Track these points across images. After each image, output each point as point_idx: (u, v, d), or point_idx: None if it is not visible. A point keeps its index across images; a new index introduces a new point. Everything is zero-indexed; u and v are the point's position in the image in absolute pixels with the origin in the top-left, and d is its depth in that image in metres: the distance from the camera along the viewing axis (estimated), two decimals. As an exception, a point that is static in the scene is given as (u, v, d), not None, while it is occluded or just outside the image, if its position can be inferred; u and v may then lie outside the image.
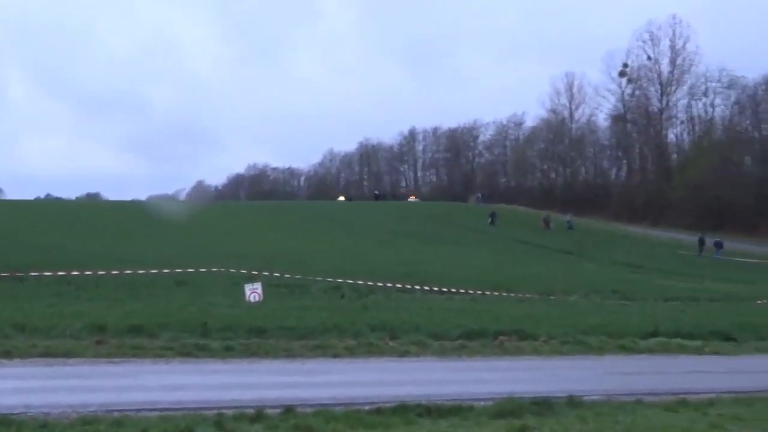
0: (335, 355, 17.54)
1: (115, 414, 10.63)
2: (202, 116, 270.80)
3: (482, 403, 12.60)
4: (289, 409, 11.42)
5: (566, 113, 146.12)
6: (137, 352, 16.35)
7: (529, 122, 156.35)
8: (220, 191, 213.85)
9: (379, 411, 11.73)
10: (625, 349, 20.35)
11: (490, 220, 79.06)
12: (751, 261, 61.37)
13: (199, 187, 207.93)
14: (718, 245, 65.61)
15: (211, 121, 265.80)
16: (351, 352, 17.91)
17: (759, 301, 33.95)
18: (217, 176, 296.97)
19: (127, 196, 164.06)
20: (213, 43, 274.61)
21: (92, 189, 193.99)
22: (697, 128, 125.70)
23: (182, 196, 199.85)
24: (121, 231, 54.16)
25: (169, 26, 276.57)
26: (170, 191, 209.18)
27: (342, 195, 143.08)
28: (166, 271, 30.08)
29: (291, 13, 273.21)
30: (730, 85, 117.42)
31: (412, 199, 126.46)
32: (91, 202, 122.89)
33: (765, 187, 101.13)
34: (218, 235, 55.54)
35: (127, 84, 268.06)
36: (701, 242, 66.22)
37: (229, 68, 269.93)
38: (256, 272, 29.55)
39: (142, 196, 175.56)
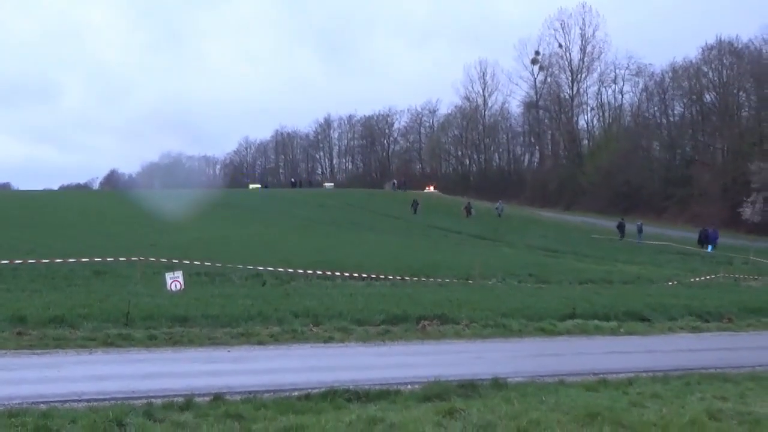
0: (260, 342, 17.49)
1: (42, 406, 10.42)
2: (114, 104, 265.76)
3: (409, 386, 12.68)
4: (218, 397, 11.34)
5: (480, 100, 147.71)
6: (60, 343, 16.09)
7: (444, 109, 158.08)
8: (134, 180, 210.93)
9: (308, 397, 11.72)
10: (544, 332, 20.65)
11: (413, 208, 79.22)
12: (659, 243, 62.66)
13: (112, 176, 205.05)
14: (639, 229, 66.80)
15: (123, 109, 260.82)
16: (276, 339, 17.88)
17: (669, 283, 34.72)
18: (130, 165, 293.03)
19: (39, 186, 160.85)
20: (123, 28, 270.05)
21: (1, 179, 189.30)
22: (606, 115, 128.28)
23: (95, 186, 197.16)
24: (34, 221, 53.00)
25: (76, 9, 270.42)
26: (82, 181, 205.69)
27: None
28: (84, 260, 29.52)
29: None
30: (638, 72, 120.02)
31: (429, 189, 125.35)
32: (1, 192, 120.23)
33: (672, 172, 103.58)
34: (135, 224, 54.76)
35: (34, 70, 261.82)
36: (621, 227, 67.13)
37: (140, 55, 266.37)
38: (176, 261, 29.19)
39: (54, 186, 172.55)
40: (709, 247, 58.99)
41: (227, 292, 24.66)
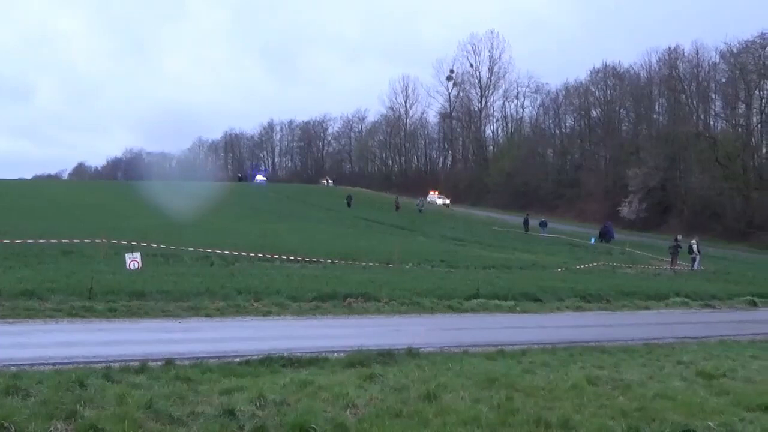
0: (207, 315, 17.29)
1: (13, 368, 10.19)
2: (83, 104, 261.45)
3: (336, 354, 12.65)
4: (169, 362, 11.18)
5: (402, 110, 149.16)
6: (30, 314, 15.72)
7: (371, 117, 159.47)
8: (100, 172, 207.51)
9: (248, 362, 11.63)
10: (452, 309, 20.74)
11: (347, 202, 79.04)
12: (551, 236, 63.53)
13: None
14: (543, 224, 67.65)
15: (91, 109, 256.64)
16: (221, 313, 17.69)
17: (559, 269, 35.20)
18: (97, 159, 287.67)
19: (14, 176, 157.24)
20: (92, 36, 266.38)
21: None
22: (509, 125, 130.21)
23: (64, 176, 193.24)
24: (9, 207, 51.79)
25: (50, 18, 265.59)
26: (53, 172, 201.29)
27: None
28: (53, 241, 28.96)
29: (162, 12, 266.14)
30: (537, 90, 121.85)
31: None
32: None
33: (563, 175, 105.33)
34: (99, 210, 53.83)
35: (12, 72, 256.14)
36: (526, 222, 67.85)
37: (107, 60, 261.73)
38: (135, 243, 28.73)
39: (28, 176, 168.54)
40: (606, 240, 59.91)
41: (180, 271, 24.35)
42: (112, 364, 10.78)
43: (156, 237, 32.09)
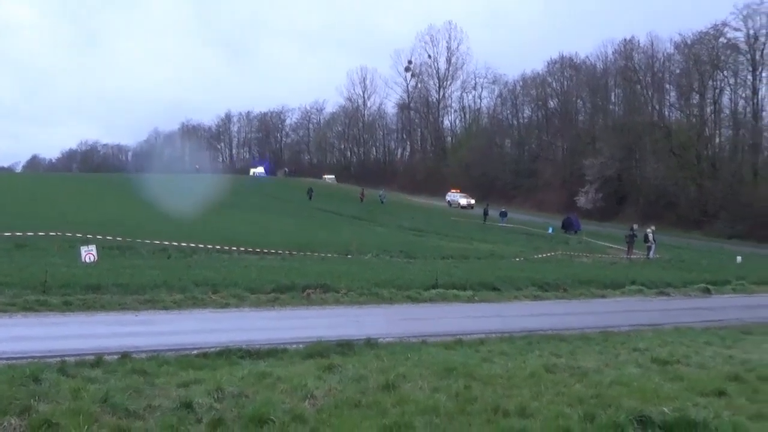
0: (165, 308, 17.16)
1: (-36, 363, 10.04)
2: (38, 95, 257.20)
3: (295, 346, 12.62)
4: (125, 355, 11.08)
5: (360, 101, 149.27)
6: (-18, 308, 15.49)
7: (329, 108, 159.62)
8: (54, 164, 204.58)
9: (205, 355, 11.57)
10: (411, 299, 20.80)
11: (308, 195, 78.79)
12: (509, 226, 63.98)
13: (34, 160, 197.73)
14: (503, 215, 68.19)
15: (45, 100, 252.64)
16: (178, 305, 17.57)
17: (516, 259, 35.46)
18: (51, 151, 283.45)
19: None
20: (46, 27, 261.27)
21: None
22: (467, 116, 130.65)
23: (18, 169, 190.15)
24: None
25: (3, 9, 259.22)
26: (6, 164, 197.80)
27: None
28: (6, 234, 28.51)
29: (116, 1, 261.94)
30: (495, 81, 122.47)
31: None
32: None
33: (520, 165, 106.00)
34: (53, 203, 53.07)
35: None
36: (485, 213, 68.30)
37: (61, 51, 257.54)
38: (90, 236, 28.40)
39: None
40: (572, 231, 60.27)
41: (136, 263, 24.11)
42: (67, 358, 10.66)
43: (112, 230, 31.73)
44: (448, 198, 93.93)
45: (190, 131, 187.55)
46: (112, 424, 7.48)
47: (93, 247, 24.68)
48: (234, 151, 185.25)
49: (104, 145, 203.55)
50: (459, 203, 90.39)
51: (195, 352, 11.81)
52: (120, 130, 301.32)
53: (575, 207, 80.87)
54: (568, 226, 61.77)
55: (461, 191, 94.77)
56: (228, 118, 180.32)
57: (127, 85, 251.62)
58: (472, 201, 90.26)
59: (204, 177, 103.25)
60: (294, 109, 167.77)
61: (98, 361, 10.59)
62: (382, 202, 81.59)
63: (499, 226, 64.06)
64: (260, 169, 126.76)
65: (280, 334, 13.91)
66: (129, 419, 7.71)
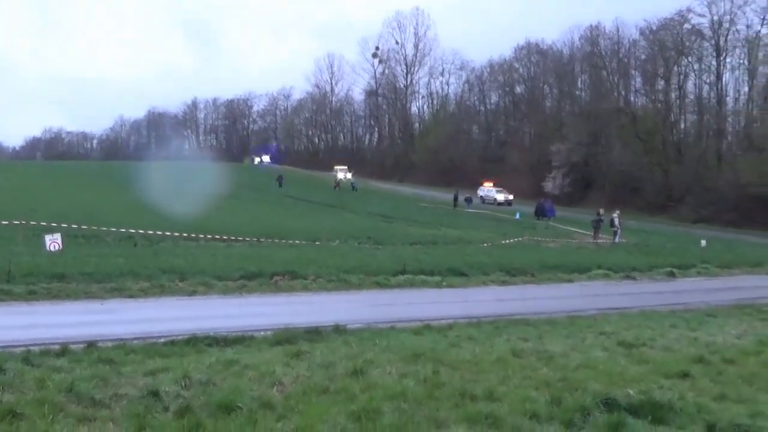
0: (131, 296, 17.04)
1: (-73, 354, 9.89)
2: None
3: (262, 333, 12.59)
4: (91, 344, 10.99)
5: (328, 88, 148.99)
6: (-55, 298, 15.29)
7: (297, 95, 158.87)
8: (18, 152, 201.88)
9: (173, 343, 11.51)
10: (379, 285, 20.86)
11: (278, 182, 78.43)
12: (477, 211, 64.20)
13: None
14: (468, 201, 68.42)
15: (7, 87, 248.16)
16: (145, 293, 17.46)
17: (484, 244, 35.58)
18: (14, 139, 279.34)
19: None
20: (7, 11, 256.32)
21: None
22: (435, 102, 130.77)
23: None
24: None
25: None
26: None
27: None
28: (-32, 224, 28.14)
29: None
30: (462, 67, 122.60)
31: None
32: None
33: (488, 152, 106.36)
34: (17, 191, 52.40)
35: None
36: (455, 198, 68.49)
37: (23, 36, 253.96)
38: (55, 224, 28.05)
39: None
40: (547, 218, 60.04)
41: (102, 252, 23.87)
42: (31, 347, 10.56)
43: (77, 218, 31.39)
44: (480, 193, 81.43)
45: (156, 118, 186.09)
46: (77, 414, 7.42)
47: (58, 236, 24.36)
48: (201, 138, 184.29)
49: (69, 132, 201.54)
50: (495, 199, 78.28)
51: (162, 340, 11.76)
52: (85, 117, 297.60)
53: (542, 192, 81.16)
54: (541, 212, 61.37)
55: (495, 185, 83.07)
56: (194, 104, 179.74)
57: (91, 71, 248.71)
58: (510, 197, 78.74)
59: (172, 164, 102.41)
60: (261, 96, 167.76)
61: (63, 350, 10.51)
62: (354, 189, 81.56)
63: (466, 211, 64.26)
64: (265, 158, 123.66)
65: (247, 322, 13.88)
66: (95, 408, 7.65)
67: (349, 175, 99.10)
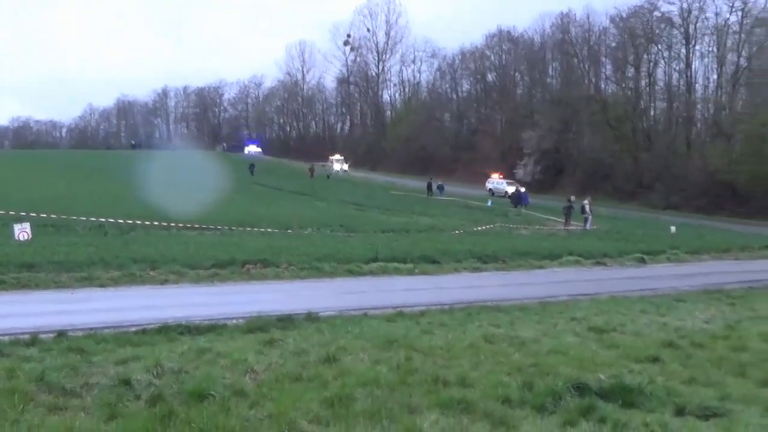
0: (102, 285, 16.92)
1: None
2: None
3: (234, 321, 12.54)
4: (61, 333, 10.89)
5: (299, 76, 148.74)
6: None
7: (268, 83, 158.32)
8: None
9: (144, 331, 11.43)
10: (351, 273, 20.85)
11: (250, 171, 78.01)
12: (449, 199, 64.36)
13: None
14: (441, 188, 68.60)
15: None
16: (116, 282, 17.34)
17: (456, 231, 35.69)
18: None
19: None
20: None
21: None
22: (406, 90, 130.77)
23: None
24: None
25: None
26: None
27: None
28: (-66, 213, 27.79)
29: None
30: (434, 55, 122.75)
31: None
32: None
33: (460, 139, 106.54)
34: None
35: None
36: (429, 186, 68.57)
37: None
38: (24, 213, 27.77)
39: None
40: (522, 205, 59.70)
41: (72, 241, 23.64)
42: (1, 337, 10.45)
43: (47, 207, 31.09)
44: (489, 186, 78.58)
45: (126, 107, 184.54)
46: (48, 403, 7.37)
47: (27, 225, 24.13)
48: (171, 126, 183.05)
49: (37, 121, 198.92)
50: (506, 192, 72.58)
51: (133, 329, 11.67)
52: (54, 106, 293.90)
53: (514, 179, 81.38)
54: (516, 201, 60.95)
55: (503, 176, 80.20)
56: (165, 92, 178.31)
57: (59, 59, 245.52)
58: (522, 189, 67.00)
59: (141, 153, 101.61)
60: (232, 84, 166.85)
61: (33, 340, 10.41)
62: (328, 177, 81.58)
63: (439, 199, 64.38)
64: (254, 148, 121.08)
65: (220, 310, 13.81)
66: (66, 398, 7.60)
67: (345, 166, 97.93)
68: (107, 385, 7.99)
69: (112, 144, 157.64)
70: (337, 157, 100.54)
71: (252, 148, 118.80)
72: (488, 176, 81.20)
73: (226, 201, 48.29)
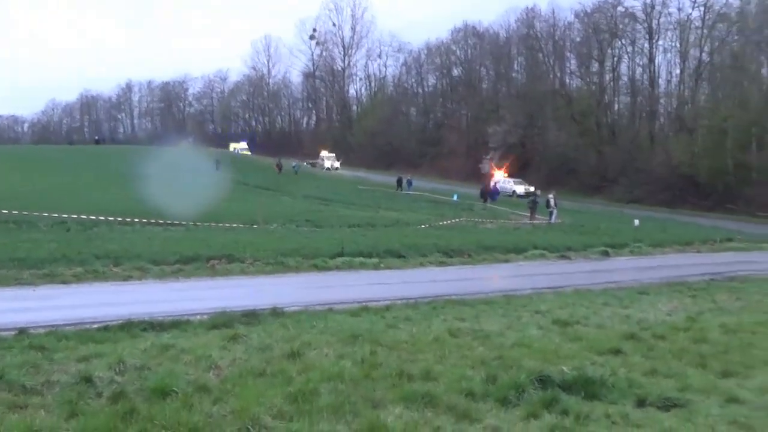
0: (64, 282, 16.75)
1: None
2: None
3: (199, 317, 12.47)
4: (22, 331, 10.77)
5: (265, 70, 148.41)
6: None
7: (233, 77, 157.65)
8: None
9: (106, 328, 11.32)
10: (317, 268, 20.84)
11: (215, 165, 77.53)
12: (415, 193, 64.42)
13: None
14: (409, 183, 68.69)
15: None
16: (78, 279, 17.17)
17: (422, 226, 35.73)
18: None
19: None
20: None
21: None
22: (372, 85, 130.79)
23: None
24: None
25: None
26: None
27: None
28: None
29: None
30: (399, 49, 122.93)
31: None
32: None
33: (426, 134, 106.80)
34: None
35: None
36: (399, 181, 68.59)
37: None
38: (-17, 210, 27.47)
39: None
40: (489, 201, 59.41)
41: (34, 237, 23.38)
42: (-40, 336, 10.32)
43: (7, 203, 30.69)
44: (493, 184, 68.82)
45: (90, 101, 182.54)
46: (8, 401, 7.29)
47: (-13, 222, 23.86)
48: (136, 121, 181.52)
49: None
50: (514, 191, 69.21)
51: (96, 326, 11.55)
52: (14, 100, 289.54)
53: (480, 174, 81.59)
54: (491, 195, 60.75)
55: (510, 175, 75.47)
56: (129, 87, 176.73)
57: (20, 52, 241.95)
58: (532, 188, 66.45)
59: (105, 149, 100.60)
60: (197, 79, 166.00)
61: (-7, 337, 10.29)
62: (296, 173, 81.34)
63: (404, 194, 64.45)
64: (243, 145, 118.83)
65: (184, 306, 13.72)
66: (26, 395, 7.53)
67: (336, 163, 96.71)
68: (68, 383, 7.92)
69: (75, 139, 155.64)
70: (328, 153, 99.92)
71: (240, 146, 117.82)
72: (482, 174, 76.31)
73: (191, 196, 47.99)
